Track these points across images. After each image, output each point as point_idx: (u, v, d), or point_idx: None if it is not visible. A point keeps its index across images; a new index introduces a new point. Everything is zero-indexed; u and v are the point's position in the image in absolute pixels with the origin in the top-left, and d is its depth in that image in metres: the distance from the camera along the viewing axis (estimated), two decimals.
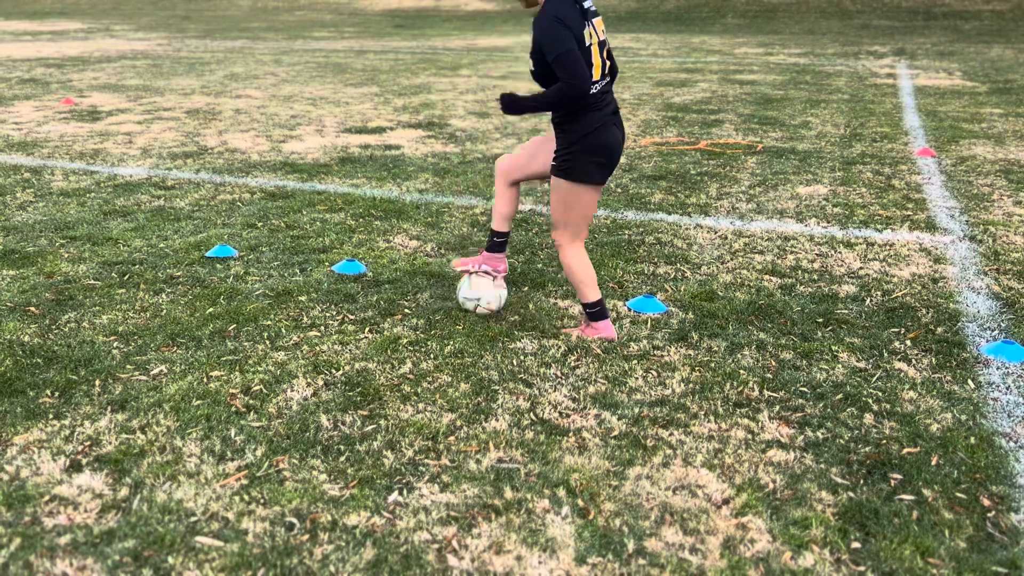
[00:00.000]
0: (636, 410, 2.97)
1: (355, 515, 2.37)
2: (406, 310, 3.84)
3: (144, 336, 3.52)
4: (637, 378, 3.21)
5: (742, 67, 14.98)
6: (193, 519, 2.34)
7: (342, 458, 2.65)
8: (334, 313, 3.81)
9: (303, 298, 3.97)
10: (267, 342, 3.49)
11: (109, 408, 2.93)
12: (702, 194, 6.01)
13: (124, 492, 2.45)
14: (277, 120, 9.08)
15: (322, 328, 3.64)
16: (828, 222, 5.32)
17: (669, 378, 3.22)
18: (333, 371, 3.24)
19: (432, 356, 3.38)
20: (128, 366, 3.25)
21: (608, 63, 3.35)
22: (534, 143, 3.62)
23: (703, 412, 2.97)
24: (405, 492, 2.48)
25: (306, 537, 2.27)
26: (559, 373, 3.25)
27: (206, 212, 5.46)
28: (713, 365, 3.32)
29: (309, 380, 3.16)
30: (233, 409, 2.94)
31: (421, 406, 2.99)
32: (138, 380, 3.14)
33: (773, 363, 3.35)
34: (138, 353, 3.36)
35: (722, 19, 29.04)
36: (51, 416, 2.87)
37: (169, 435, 2.76)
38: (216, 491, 2.47)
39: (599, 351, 3.44)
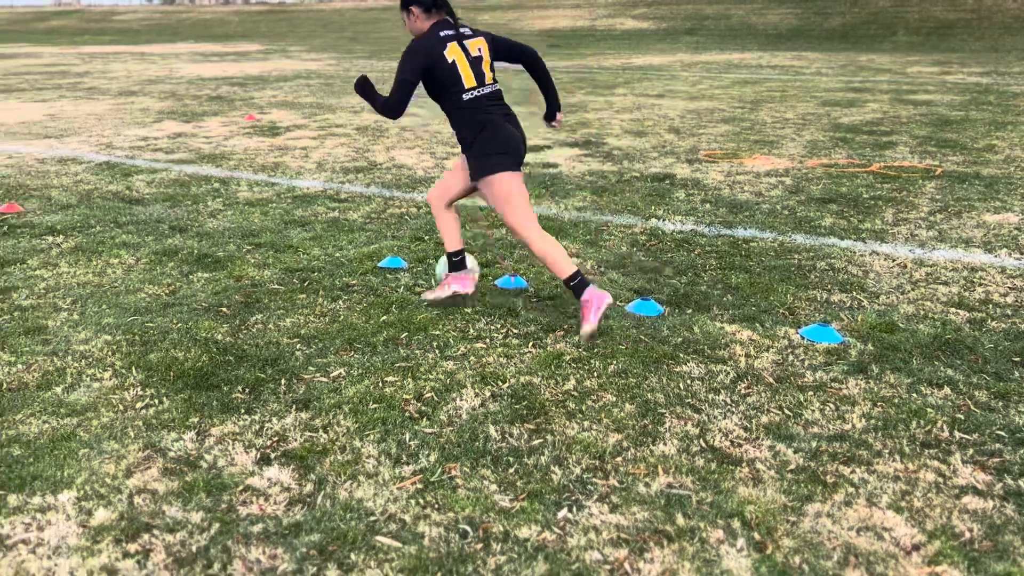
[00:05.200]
0: (813, 444, 2.84)
1: (526, 528, 2.39)
2: (567, 327, 3.86)
3: (324, 340, 3.71)
4: (813, 410, 3.07)
5: (915, 87, 14.16)
6: (372, 519, 2.43)
7: (511, 470, 2.68)
8: (499, 326, 3.87)
9: (469, 310, 4.06)
10: (436, 351, 3.59)
11: (294, 406, 3.10)
12: (877, 219, 5.71)
13: (309, 488, 2.59)
14: (440, 138, 9.39)
15: (487, 340, 3.72)
16: (1022, 253, 4.91)
17: (848, 412, 3.06)
18: (499, 383, 3.29)
19: (595, 374, 3.38)
20: (310, 367, 3.44)
21: (487, 74, 3.81)
22: (455, 168, 4.00)
23: (887, 450, 2.80)
24: (575, 509, 2.48)
25: (480, 546, 2.31)
26: (728, 400, 3.16)
27: (377, 224, 5.71)
28: (896, 401, 3.13)
29: (477, 390, 3.23)
30: (407, 414, 3.04)
31: (587, 424, 2.98)
32: (319, 381, 3.31)
33: (965, 403, 3.11)
34: (319, 355, 3.55)
35: (892, 36, 27.57)
36: (243, 411, 3.07)
37: (349, 436, 2.89)
38: (393, 493, 2.55)
39: (771, 380, 3.32)
